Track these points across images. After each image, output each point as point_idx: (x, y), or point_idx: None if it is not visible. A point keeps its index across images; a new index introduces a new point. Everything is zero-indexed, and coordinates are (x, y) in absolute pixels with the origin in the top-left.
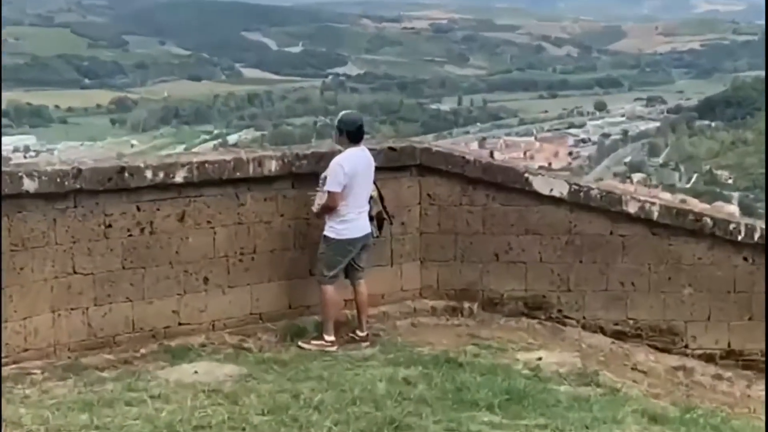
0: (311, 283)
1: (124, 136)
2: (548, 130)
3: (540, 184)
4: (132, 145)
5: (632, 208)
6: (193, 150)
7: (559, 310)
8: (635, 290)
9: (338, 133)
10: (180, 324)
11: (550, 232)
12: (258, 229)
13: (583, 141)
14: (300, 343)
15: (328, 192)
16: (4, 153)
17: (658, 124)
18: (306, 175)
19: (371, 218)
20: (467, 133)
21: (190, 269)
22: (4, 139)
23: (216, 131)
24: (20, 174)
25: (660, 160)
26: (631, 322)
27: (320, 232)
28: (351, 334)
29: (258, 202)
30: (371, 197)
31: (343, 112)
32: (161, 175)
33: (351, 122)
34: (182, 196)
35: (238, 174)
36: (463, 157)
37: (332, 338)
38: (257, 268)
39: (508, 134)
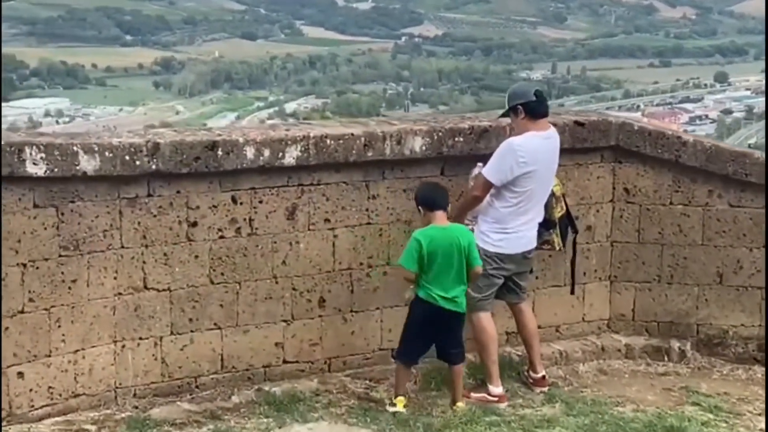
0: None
1: (168, 101)
2: (658, 105)
3: None
4: (177, 112)
5: None
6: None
7: None
8: None
9: (514, 115)
10: (285, 362)
11: None
12: (394, 232)
13: (700, 118)
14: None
15: (482, 176)
16: (34, 117)
17: None
18: (461, 158)
19: (552, 224)
20: (561, 105)
21: (301, 286)
22: (34, 101)
23: (272, 98)
24: (75, 148)
25: None
26: None
27: None
28: (525, 375)
29: (395, 194)
30: (552, 194)
31: (513, 86)
32: (266, 153)
33: (525, 91)
34: (293, 183)
35: (369, 154)
36: (679, 138)
37: (500, 390)
38: (391, 287)
39: (609, 108)
